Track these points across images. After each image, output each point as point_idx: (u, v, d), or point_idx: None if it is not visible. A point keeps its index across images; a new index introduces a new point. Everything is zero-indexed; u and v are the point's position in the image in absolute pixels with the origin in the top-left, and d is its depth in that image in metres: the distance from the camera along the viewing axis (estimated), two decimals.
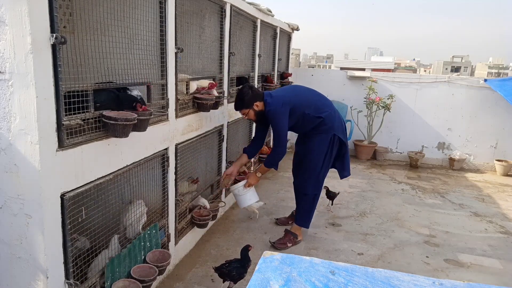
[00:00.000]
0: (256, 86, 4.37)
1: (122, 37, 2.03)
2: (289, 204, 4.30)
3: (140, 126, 2.04)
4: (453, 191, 5.21)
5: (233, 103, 3.89)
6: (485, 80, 6.14)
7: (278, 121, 3.15)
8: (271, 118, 3.17)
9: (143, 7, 2.23)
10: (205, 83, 3.08)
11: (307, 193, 3.41)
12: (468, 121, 6.30)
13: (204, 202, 3.26)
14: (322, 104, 3.32)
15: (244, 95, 3.18)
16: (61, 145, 1.67)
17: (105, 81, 1.98)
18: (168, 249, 2.73)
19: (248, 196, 3.45)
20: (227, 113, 3.78)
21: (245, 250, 2.58)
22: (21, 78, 1.51)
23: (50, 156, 1.62)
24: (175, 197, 2.80)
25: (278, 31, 5.38)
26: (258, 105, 3.20)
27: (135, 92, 2.06)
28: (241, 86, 3.35)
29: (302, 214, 3.49)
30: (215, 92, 3.15)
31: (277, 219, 3.90)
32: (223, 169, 3.80)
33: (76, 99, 1.72)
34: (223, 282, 2.55)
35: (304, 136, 3.42)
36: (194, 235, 3.27)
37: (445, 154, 6.50)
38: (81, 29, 1.85)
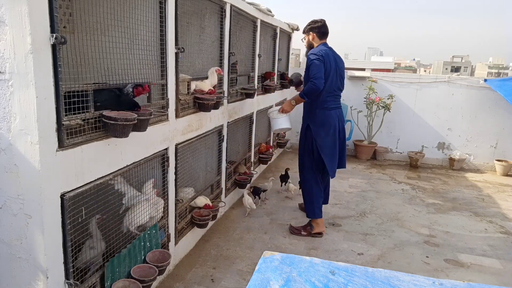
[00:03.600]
0: (256, 86, 4.38)
1: (122, 37, 2.03)
2: (289, 204, 4.31)
3: (140, 126, 2.04)
4: (453, 191, 5.21)
5: (233, 103, 3.91)
6: (485, 80, 6.14)
7: (312, 63, 3.30)
8: (309, 61, 3.36)
9: (143, 7, 2.23)
10: (205, 87, 3.07)
11: (301, 179, 3.67)
12: (468, 121, 6.30)
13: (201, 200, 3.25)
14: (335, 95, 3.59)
15: (313, 23, 3.51)
16: (61, 145, 1.67)
17: (105, 81, 1.97)
18: (168, 249, 2.73)
19: (280, 121, 3.68)
20: (227, 113, 3.78)
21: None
22: (21, 78, 1.51)
23: (50, 156, 1.62)
24: (175, 197, 2.80)
25: (278, 31, 5.38)
26: (312, 37, 3.49)
27: (128, 86, 2.04)
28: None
29: (305, 204, 3.69)
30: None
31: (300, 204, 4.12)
32: (223, 169, 3.80)
33: (76, 99, 1.72)
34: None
35: (308, 111, 3.55)
36: (194, 235, 3.27)
37: (445, 154, 6.50)
38: (81, 29, 1.85)
